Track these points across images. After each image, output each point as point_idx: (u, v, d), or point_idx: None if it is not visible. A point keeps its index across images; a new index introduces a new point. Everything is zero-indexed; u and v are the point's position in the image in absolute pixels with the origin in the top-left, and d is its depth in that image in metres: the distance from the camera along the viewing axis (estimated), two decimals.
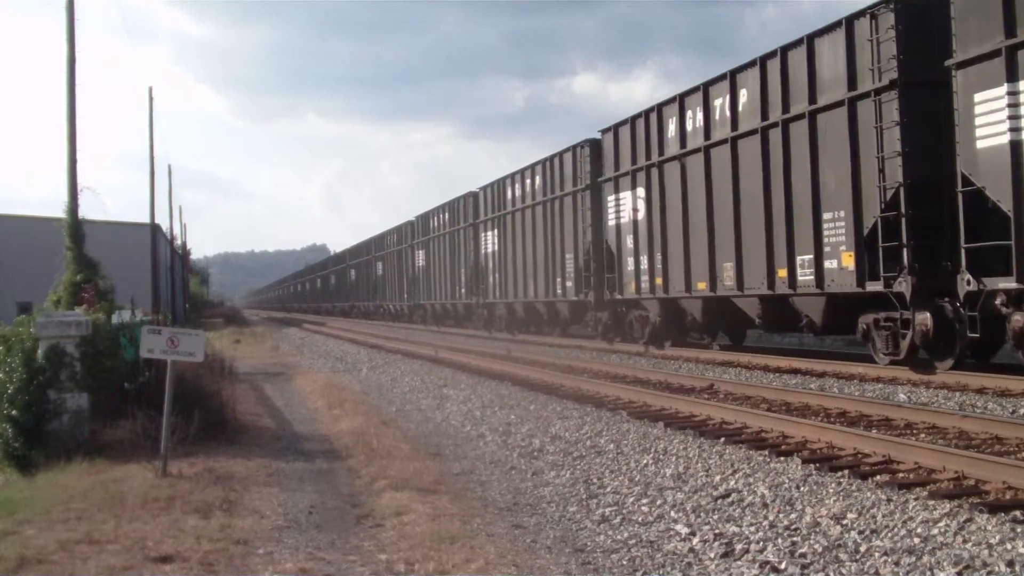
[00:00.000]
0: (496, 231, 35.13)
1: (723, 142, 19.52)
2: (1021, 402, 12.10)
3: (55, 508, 8.40)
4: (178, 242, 64.65)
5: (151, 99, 42.25)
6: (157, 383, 11.59)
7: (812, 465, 8.86)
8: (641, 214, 23.34)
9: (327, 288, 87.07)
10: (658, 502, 8.30)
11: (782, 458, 9.34)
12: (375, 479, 9.59)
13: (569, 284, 28.13)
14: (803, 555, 6.45)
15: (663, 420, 12.09)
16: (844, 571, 6.12)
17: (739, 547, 6.75)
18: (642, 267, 23.34)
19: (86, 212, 18.48)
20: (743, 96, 18.94)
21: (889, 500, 7.48)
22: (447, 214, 42.42)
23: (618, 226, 24.64)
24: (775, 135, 17.82)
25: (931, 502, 7.29)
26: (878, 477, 8.24)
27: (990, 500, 7.19)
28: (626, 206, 24.28)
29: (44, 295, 17.68)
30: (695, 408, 12.68)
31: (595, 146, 26.32)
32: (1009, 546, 6.17)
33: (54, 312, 14.17)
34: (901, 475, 8.28)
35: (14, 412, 11.35)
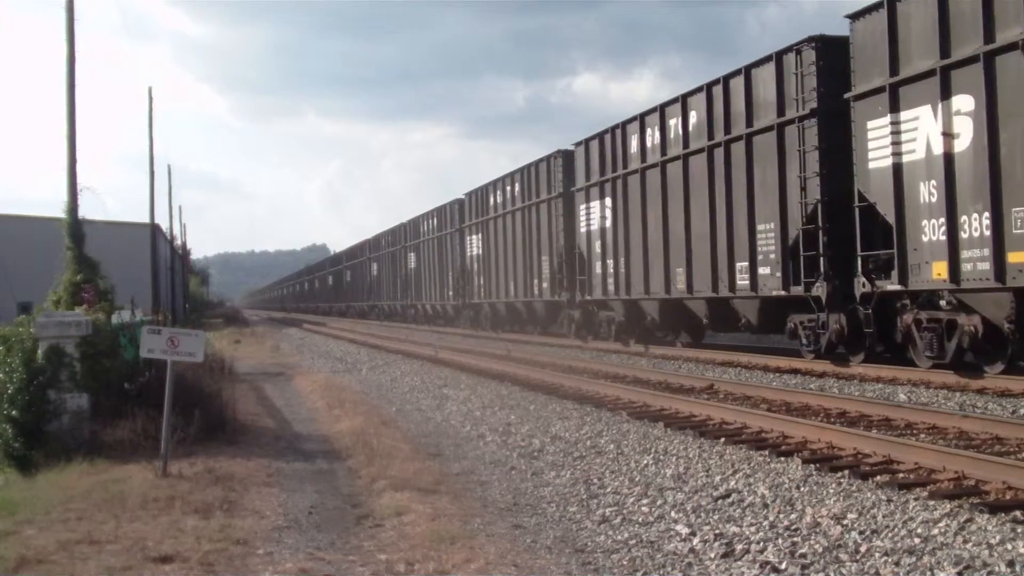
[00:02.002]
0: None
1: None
2: (1021, 402, 12.10)
3: (55, 508, 8.40)
4: (178, 242, 64.62)
5: (151, 99, 42.22)
6: (157, 383, 11.58)
7: (812, 465, 8.86)
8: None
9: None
10: (658, 502, 8.29)
11: (782, 458, 9.34)
12: (375, 479, 9.59)
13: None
14: (803, 555, 6.45)
15: (663, 420, 12.09)
16: (844, 571, 6.11)
17: (739, 547, 6.75)
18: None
19: (86, 212, 18.43)
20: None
21: (889, 500, 7.47)
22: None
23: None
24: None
25: (931, 502, 7.29)
26: (878, 477, 8.23)
27: (990, 500, 7.19)
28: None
29: (44, 295, 17.65)
30: (695, 408, 12.68)
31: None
32: (1009, 546, 6.17)
33: (54, 312, 14.15)
34: (901, 475, 8.28)
35: (14, 412, 11.34)
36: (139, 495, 8.71)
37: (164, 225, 54.67)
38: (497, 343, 29.63)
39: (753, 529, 7.17)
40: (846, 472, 8.45)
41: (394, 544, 7.20)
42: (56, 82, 18.73)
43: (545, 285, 30.38)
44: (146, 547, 7.04)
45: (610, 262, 25.26)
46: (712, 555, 6.67)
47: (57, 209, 18.47)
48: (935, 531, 6.64)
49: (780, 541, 6.79)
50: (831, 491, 7.95)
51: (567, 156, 28.64)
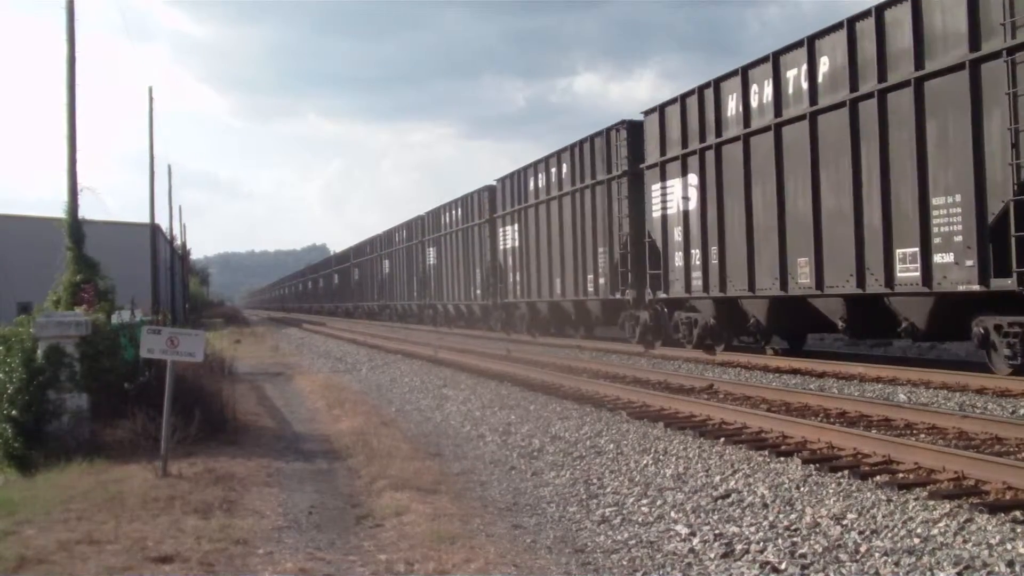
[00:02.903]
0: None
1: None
2: (1021, 402, 12.10)
3: (55, 508, 8.40)
4: (178, 242, 64.64)
5: (151, 99, 42.28)
6: (157, 383, 11.58)
7: (812, 465, 8.86)
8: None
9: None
10: (658, 502, 8.30)
11: (782, 458, 9.34)
12: (375, 479, 9.59)
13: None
14: (803, 555, 6.45)
15: (663, 420, 12.09)
16: (844, 571, 6.12)
17: (739, 547, 6.75)
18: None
19: (86, 212, 18.47)
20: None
21: (889, 500, 7.48)
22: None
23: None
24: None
25: (931, 502, 7.29)
26: (878, 477, 8.23)
27: (990, 500, 7.19)
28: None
29: (44, 295, 17.67)
30: (695, 408, 12.68)
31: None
32: (1009, 546, 6.17)
33: (54, 312, 14.16)
34: (901, 475, 8.28)
35: (14, 412, 11.33)
36: (139, 495, 8.70)
37: (164, 225, 54.81)
38: (488, 342, 29.53)
39: (753, 529, 7.17)
40: (846, 472, 8.45)
41: (394, 544, 7.21)
42: (56, 82, 18.76)
43: (602, 281, 26.15)
44: (146, 547, 7.04)
45: (695, 252, 21.10)
46: (712, 555, 6.67)
47: (57, 209, 18.51)
48: (935, 531, 6.64)
49: (780, 541, 6.79)
50: (831, 491, 7.96)
51: (633, 128, 24.50)
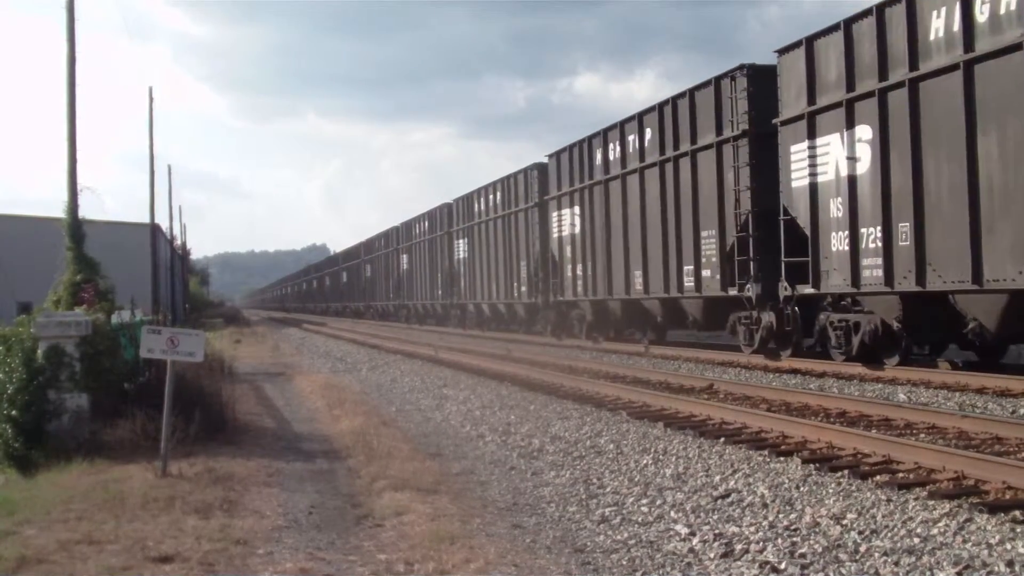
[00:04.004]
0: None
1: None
2: (1021, 402, 12.10)
3: (55, 508, 8.40)
4: (178, 242, 64.60)
5: (151, 99, 42.28)
6: (157, 383, 11.58)
7: (812, 465, 8.86)
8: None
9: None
10: (658, 502, 8.30)
11: (782, 458, 9.34)
12: (375, 479, 9.59)
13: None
14: (803, 555, 6.45)
15: (663, 420, 12.09)
16: (844, 571, 6.12)
17: (739, 547, 6.75)
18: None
19: (86, 212, 18.46)
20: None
21: (889, 500, 7.48)
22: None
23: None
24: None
25: (931, 502, 7.29)
26: (878, 477, 8.23)
27: (990, 500, 7.19)
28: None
29: (44, 295, 17.66)
30: (695, 408, 12.68)
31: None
32: (1009, 546, 6.18)
33: (54, 312, 14.16)
34: (901, 475, 8.28)
35: (14, 412, 11.34)
36: (139, 495, 8.70)
37: (164, 225, 54.73)
38: (487, 342, 29.73)
39: (752, 529, 7.17)
40: (846, 472, 8.45)
41: (394, 544, 7.21)
42: (56, 82, 18.75)
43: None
44: (146, 547, 7.04)
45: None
46: (711, 555, 6.67)
47: (57, 209, 18.50)
48: (935, 531, 6.64)
49: (780, 541, 6.80)
50: (830, 491, 7.96)
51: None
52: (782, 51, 17.59)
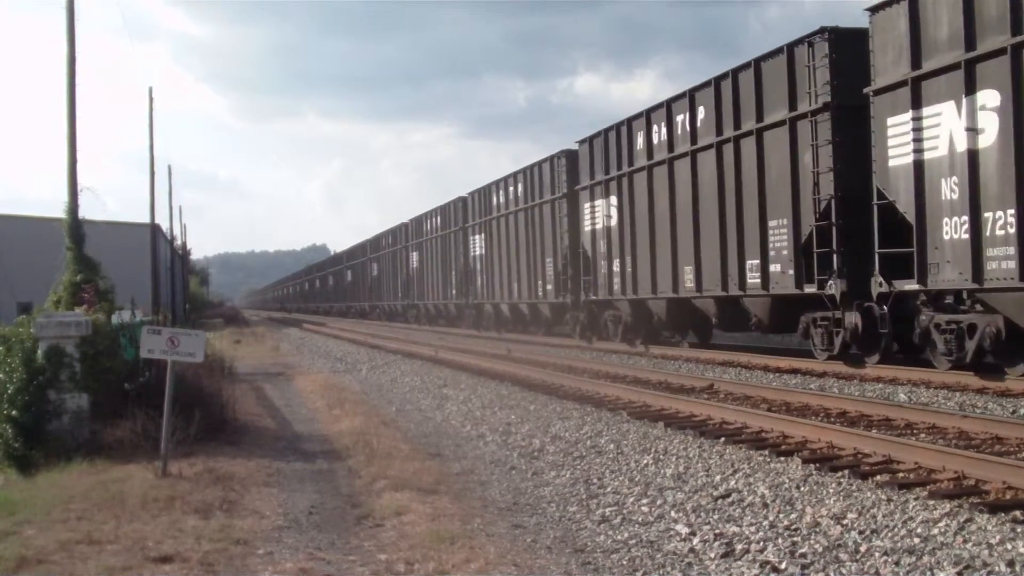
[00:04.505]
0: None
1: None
2: (1021, 402, 12.10)
3: (55, 508, 8.40)
4: (178, 242, 64.63)
5: (151, 99, 42.27)
6: (157, 383, 11.58)
7: (812, 465, 8.86)
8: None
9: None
10: (658, 502, 8.29)
11: (782, 458, 9.34)
12: (375, 479, 9.59)
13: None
14: (803, 555, 6.45)
15: (663, 420, 12.09)
16: (844, 571, 6.12)
17: (739, 547, 6.75)
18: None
19: (86, 212, 18.42)
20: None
21: (889, 500, 7.48)
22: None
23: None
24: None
25: (931, 502, 7.29)
26: (878, 477, 8.24)
27: (990, 500, 7.19)
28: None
29: (44, 295, 17.64)
30: (695, 408, 12.67)
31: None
32: (1009, 546, 6.17)
33: (54, 312, 14.15)
34: (901, 475, 8.28)
35: (14, 412, 11.34)
36: (139, 495, 8.70)
37: (164, 225, 54.73)
38: (500, 343, 29.59)
39: (753, 529, 7.17)
40: (846, 472, 8.45)
41: (394, 544, 7.20)
42: (57, 82, 18.74)
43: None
44: (146, 547, 7.04)
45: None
46: (712, 555, 6.67)
47: (57, 209, 18.46)
48: (935, 531, 6.64)
49: (780, 541, 6.79)
50: (831, 491, 7.96)
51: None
52: (875, 8, 15.09)
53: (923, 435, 10.09)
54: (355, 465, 10.56)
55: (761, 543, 6.77)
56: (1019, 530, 6.45)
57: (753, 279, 18.47)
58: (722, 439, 10.49)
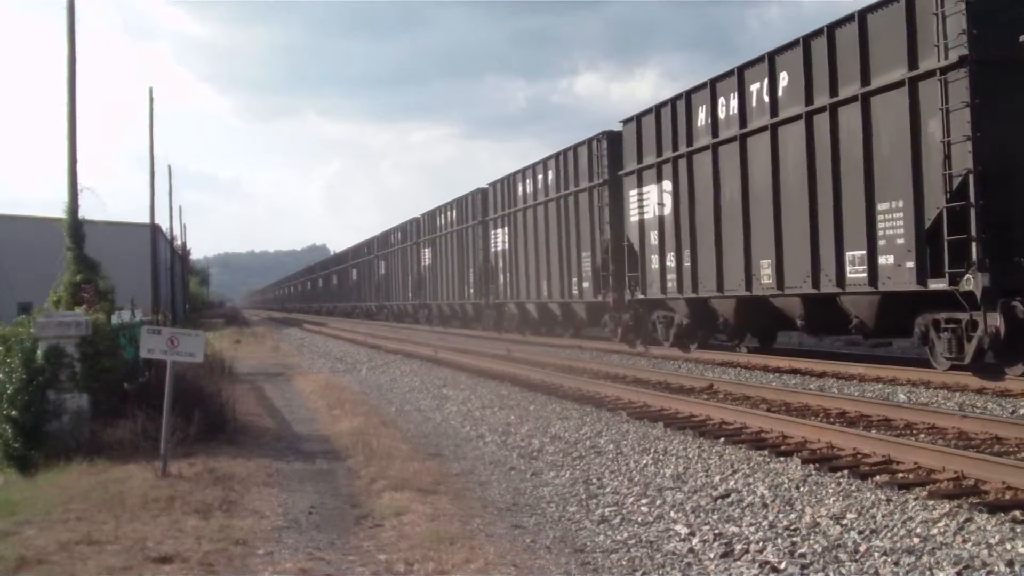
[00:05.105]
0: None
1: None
2: (1021, 402, 12.10)
3: (55, 508, 8.41)
4: (178, 242, 64.64)
5: (151, 99, 42.26)
6: (157, 383, 11.58)
7: (812, 465, 8.86)
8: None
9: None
10: (658, 502, 8.30)
11: (782, 458, 9.34)
12: (375, 479, 9.59)
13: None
14: (803, 555, 6.45)
15: (663, 420, 12.09)
16: (844, 571, 6.12)
17: (739, 547, 6.75)
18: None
19: (86, 212, 18.41)
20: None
21: (889, 500, 7.48)
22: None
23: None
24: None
25: (931, 502, 7.29)
26: (878, 477, 8.24)
27: (990, 500, 7.20)
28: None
29: (44, 295, 17.63)
30: (695, 408, 12.68)
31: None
32: (1009, 546, 6.18)
33: (54, 312, 14.15)
34: (901, 475, 8.29)
35: (14, 412, 11.34)
36: (139, 495, 8.71)
37: (164, 225, 54.76)
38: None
39: (752, 529, 7.17)
40: (845, 472, 8.46)
41: (394, 544, 7.21)
42: (57, 82, 18.73)
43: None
44: (146, 547, 7.04)
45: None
46: (711, 555, 6.67)
47: (57, 209, 18.44)
48: (934, 531, 6.64)
49: (779, 541, 6.80)
50: (830, 491, 7.96)
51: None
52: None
53: (923, 435, 10.10)
54: (355, 465, 10.56)
55: (760, 543, 6.78)
56: (1018, 530, 6.45)
57: (855, 273, 15.57)
58: (721, 439, 10.49)
